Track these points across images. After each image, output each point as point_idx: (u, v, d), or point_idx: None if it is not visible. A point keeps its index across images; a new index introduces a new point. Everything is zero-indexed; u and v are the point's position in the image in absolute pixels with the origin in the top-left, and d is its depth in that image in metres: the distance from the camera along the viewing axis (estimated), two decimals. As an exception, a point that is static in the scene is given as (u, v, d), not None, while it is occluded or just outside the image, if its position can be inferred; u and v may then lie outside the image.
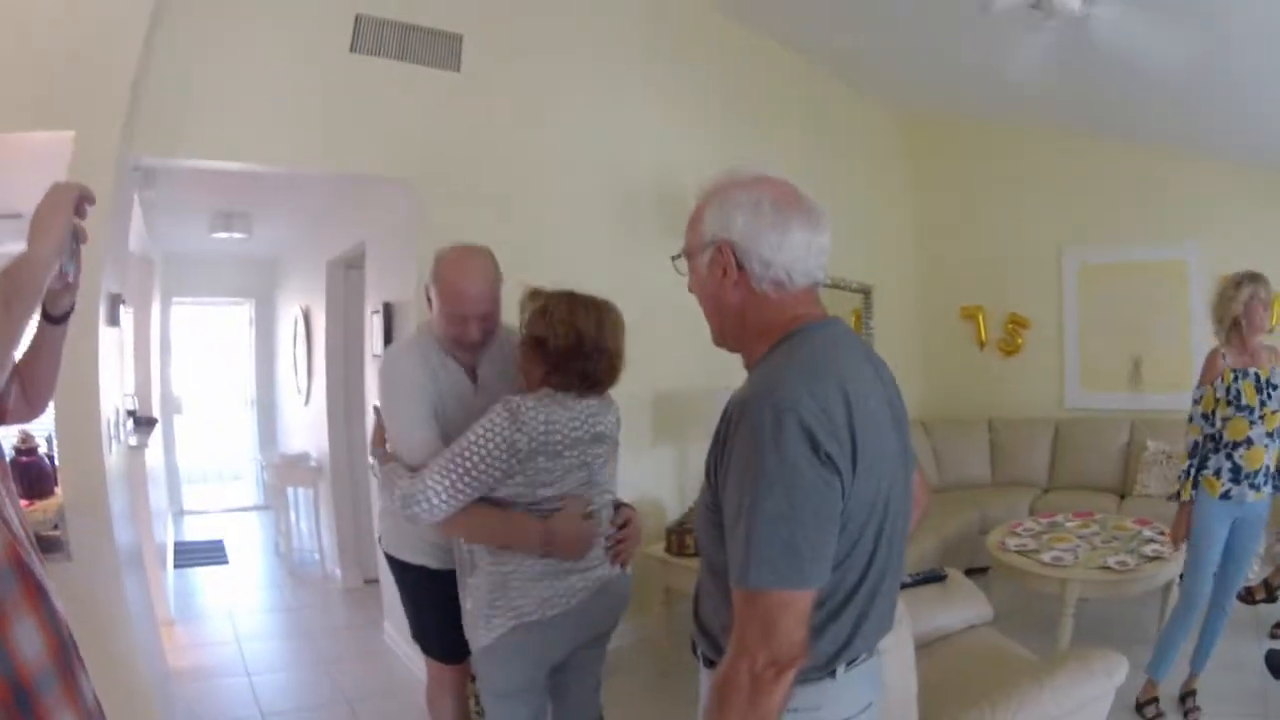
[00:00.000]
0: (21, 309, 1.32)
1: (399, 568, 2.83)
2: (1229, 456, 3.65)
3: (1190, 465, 3.74)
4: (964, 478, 6.94)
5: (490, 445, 2.19)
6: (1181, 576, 4.33)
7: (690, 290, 1.62)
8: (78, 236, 1.49)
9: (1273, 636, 4.62)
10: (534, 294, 2.38)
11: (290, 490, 6.91)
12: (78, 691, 1.49)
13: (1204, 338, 6.31)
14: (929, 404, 7.65)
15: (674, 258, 1.64)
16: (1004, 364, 7.51)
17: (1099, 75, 5.30)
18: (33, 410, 1.69)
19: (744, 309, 1.52)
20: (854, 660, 1.49)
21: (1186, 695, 3.82)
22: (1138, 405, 6.87)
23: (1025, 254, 7.39)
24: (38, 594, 1.40)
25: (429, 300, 2.53)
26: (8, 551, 1.37)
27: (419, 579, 2.78)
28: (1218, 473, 3.67)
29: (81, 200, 1.47)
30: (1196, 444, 3.73)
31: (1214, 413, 3.73)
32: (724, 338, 1.60)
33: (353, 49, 3.93)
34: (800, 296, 1.52)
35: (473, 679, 2.84)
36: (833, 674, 1.45)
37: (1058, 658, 2.97)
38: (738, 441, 1.35)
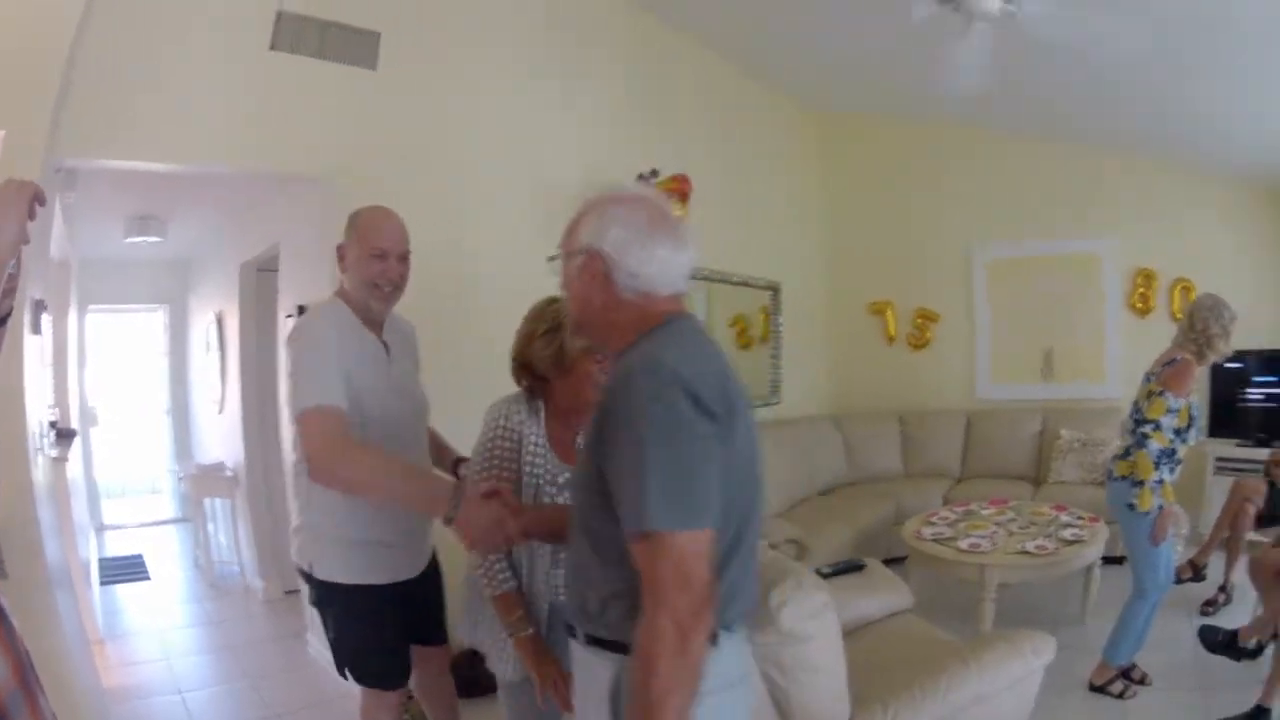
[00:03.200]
0: None
1: (323, 589, 2.61)
2: (1172, 468, 3.83)
3: (1160, 473, 3.81)
4: (877, 470, 7.05)
5: None
6: (1108, 559, 4.64)
7: (561, 289, 1.73)
8: (24, 236, 1.45)
9: (1203, 614, 4.80)
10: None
11: (208, 501, 6.77)
12: (40, 711, 1.46)
13: (1117, 330, 6.54)
14: (839, 398, 7.78)
15: (550, 259, 1.75)
16: (914, 357, 7.65)
17: (1013, 74, 5.37)
18: None
19: (609, 311, 1.64)
20: (729, 627, 1.57)
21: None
22: (1050, 395, 7.03)
23: (935, 249, 7.53)
24: None
25: (341, 260, 2.60)
26: None
27: (351, 599, 2.59)
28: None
29: (34, 200, 1.44)
30: (1162, 452, 3.79)
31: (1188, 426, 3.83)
32: (584, 330, 1.75)
33: (273, 46, 3.84)
34: (664, 301, 1.64)
35: (410, 698, 2.88)
36: (714, 640, 1.50)
37: (985, 639, 3.08)
38: (623, 406, 1.47)
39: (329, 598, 2.61)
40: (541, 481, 2.26)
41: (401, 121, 4.31)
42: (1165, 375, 3.85)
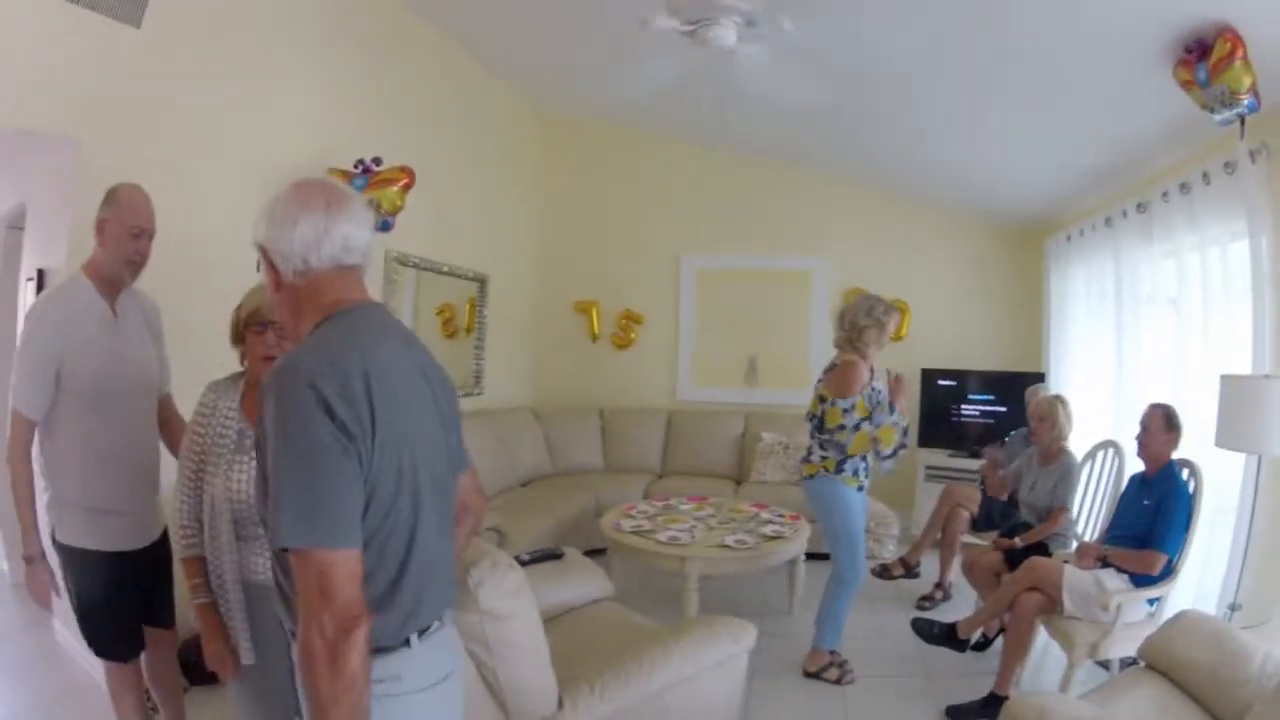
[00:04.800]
0: None
1: (63, 553, 2.76)
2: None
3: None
4: (577, 464, 7.25)
5: None
6: (815, 555, 4.89)
7: None
8: None
9: (920, 609, 5.17)
10: None
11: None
12: None
13: (822, 342, 6.99)
14: (541, 392, 7.96)
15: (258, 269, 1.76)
16: (616, 357, 7.89)
17: (731, 99, 5.58)
18: None
19: (288, 299, 1.65)
20: (425, 629, 1.62)
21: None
22: (752, 400, 7.43)
23: (645, 255, 7.83)
24: None
25: (100, 233, 2.79)
26: None
27: (84, 564, 2.74)
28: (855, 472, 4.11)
29: None
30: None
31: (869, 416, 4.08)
32: (282, 326, 1.80)
33: None
34: (333, 281, 1.63)
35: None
36: (407, 643, 1.57)
37: (684, 625, 3.24)
38: (268, 412, 1.44)
39: (68, 561, 2.75)
40: (230, 449, 2.29)
41: (157, 87, 4.09)
42: (829, 380, 4.12)
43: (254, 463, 2.15)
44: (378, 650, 1.51)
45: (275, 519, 1.39)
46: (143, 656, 2.93)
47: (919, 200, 7.28)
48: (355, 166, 4.89)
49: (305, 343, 1.56)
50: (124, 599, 2.80)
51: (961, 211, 7.25)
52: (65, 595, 2.81)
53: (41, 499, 2.77)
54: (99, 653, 2.83)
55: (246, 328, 2.37)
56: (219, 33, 4.39)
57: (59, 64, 3.68)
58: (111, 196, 2.81)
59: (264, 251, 1.65)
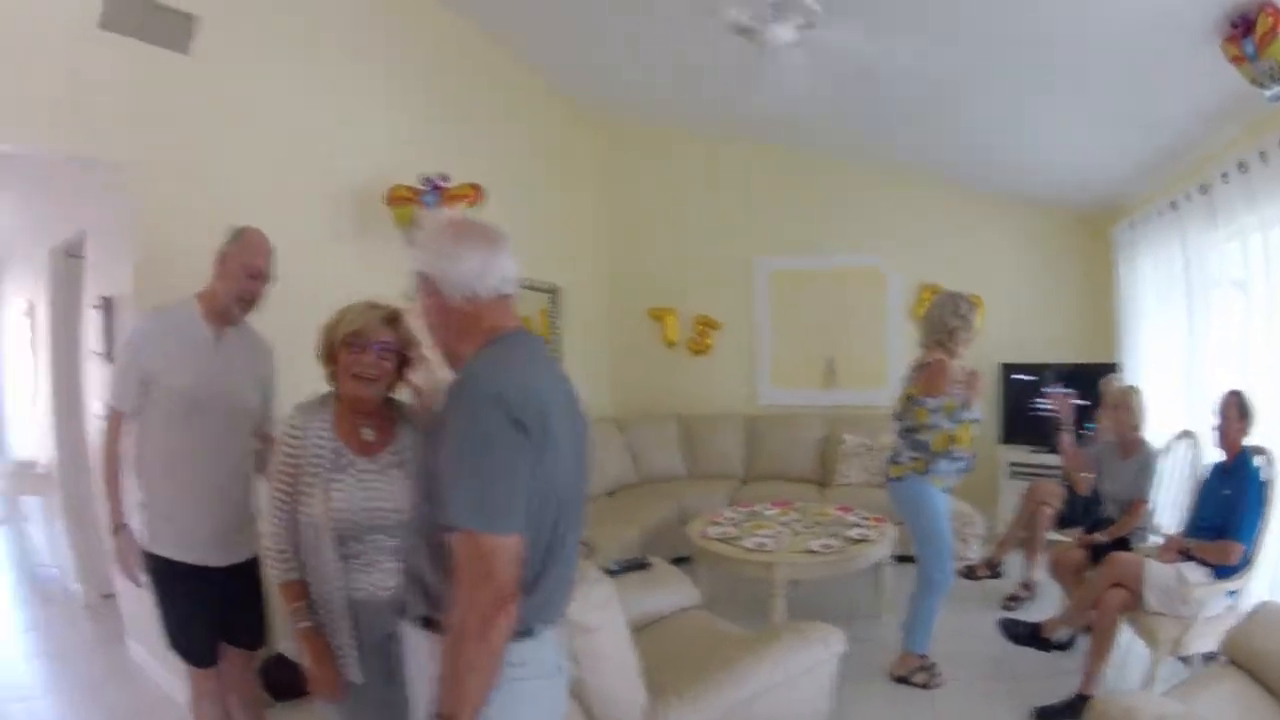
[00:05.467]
0: None
1: (151, 562, 2.91)
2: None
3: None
4: (660, 471, 7.25)
5: None
6: (902, 558, 4.85)
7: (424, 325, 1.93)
8: None
9: (1006, 609, 5.08)
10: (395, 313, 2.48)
11: (24, 500, 6.52)
12: None
13: (899, 340, 6.91)
14: (619, 401, 7.95)
15: (407, 298, 2.01)
16: (694, 363, 7.87)
17: (797, 96, 5.51)
18: None
19: (449, 323, 1.85)
20: (550, 622, 1.80)
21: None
22: (832, 401, 7.37)
23: (717, 258, 7.79)
24: None
25: (219, 266, 2.98)
26: None
27: (164, 571, 2.89)
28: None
29: None
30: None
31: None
32: (444, 353, 1.91)
33: (103, 25, 3.67)
34: (493, 308, 1.84)
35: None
36: (532, 633, 1.73)
37: (773, 631, 3.27)
38: (451, 414, 1.65)
39: (149, 565, 2.93)
40: (327, 469, 2.30)
41: (211, 112, 4.14)
42: (919, 380, 4.12)
43: (354, 481, 2.29)
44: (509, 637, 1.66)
45: (452, 503, 1.60)
46: (223, 669, 3.03)
47: (984, 192, 7.18)
48: (423, 183, 4.92)
49: (481, 358, 1.75)
50: (198, 613, 2.91)
51: (1026, 201, 7.14)
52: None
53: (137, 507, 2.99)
54: (175, 650, 2.96)
55: (344, 346, 2.36)
56: (270, 56, 4.48)
57: (112, 94, 3.77)
58: (237, 235, 3.02)
59: (427, 279, 1.83)
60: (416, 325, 2.10)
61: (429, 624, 1.76)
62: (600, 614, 2.48)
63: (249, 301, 3.01)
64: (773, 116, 6.44)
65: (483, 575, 1.57)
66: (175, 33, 3.96)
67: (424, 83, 5.54)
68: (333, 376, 2.42)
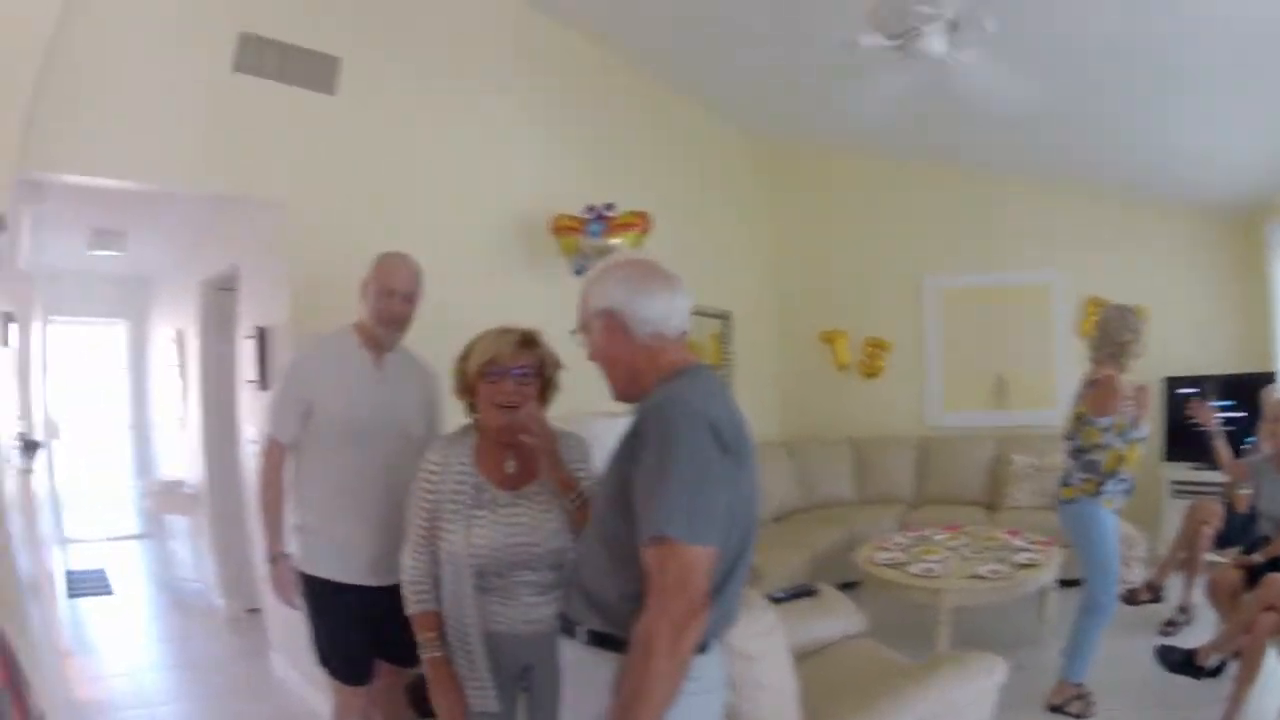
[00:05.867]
0: None
1: (308, 583, 2.96)
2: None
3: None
4: (829, 496, 7.05)
5: None
6: (1067, 583, 4.67)
7: (591, 359, 1.94)
8: None
9: (1163, 634, 4.84)
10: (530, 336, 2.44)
11: (169, 518, 6.75)
12: (26, 710, 1.49)
13: (1067, 357, 6.63)
14: (790, 425, 7.80)
15: (572, 333, 1.97)
16: (865, 385, 7.67)
17: (956, 111, 5.46)
18: None
19: (634, 360, 1.87)
20: (718, 638, 1.83)
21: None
22: (1002, 422, 7.10)
23: (885, 279, 7.59)
24: None
25: (362, 294, 3.03)
26: None
27: (321, 592, 2.93)
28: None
29: None
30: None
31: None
32: (621, 386, 1.91)
33: (236, 68, 3.88)
34: (674, 345, 1.88)
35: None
36: (706, 647, 1.74)
37: (937, 660, 3.16)
38: (653, 434, 1.67)
39: (305, 586, 2.98)
40: (468, 505, 2.29)
41: (360, 147, 4.31)
42: (1089, 397, 3.95)
43: (496, 517, 2.27)
44: None
45: (657, 514, 1.60)
46: (370, 687, 3.06)
47: (1135, 198, 6.86)
48: (588, 212, 4.94)
49: (678, 386, 1.78)
50: (354, 631, 2.93)
51: (1184, 205, 6.78)
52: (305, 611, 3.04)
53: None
54: (325, 668, 3.00)
55: (480, 377, 2.34)
56: (417, 90, 4.61)
57: (262, 134, 3.98)
58: (376, 259, 3.08)
59: (613, 316, 1.86)
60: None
61: (603, 640, 1.77)
62: (762, 642, 2.42)
63: (393, 323, 3.03)
64: (934, 132, 6.39)
65: (680, 585, 1.59)
66: (318, 74, 4.17)
67: (582, 114, 5.64)
68: (472, 409, 2.41)
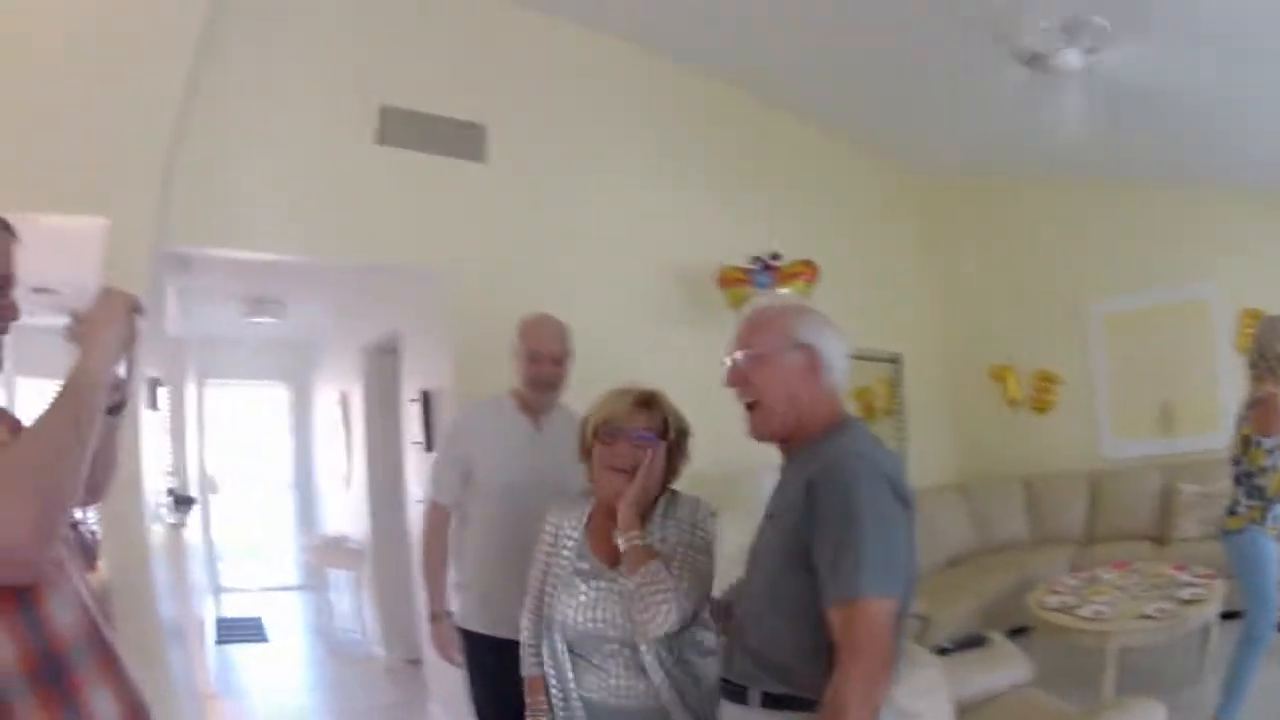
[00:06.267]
0: (89, 429, 1.33)
1: (467, 639, 3.04)
2: None
3: None
4: (1002, 538, 6.84)
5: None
6: (1228, 615, 4.46)
7: (733, 384, 1.92)
8: (130, 342, 1.51)
9: None
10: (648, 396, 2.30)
11: (331, 571, 6.99)
12: None
13: (1230, 376, 6.32)
14: (963, 467, 7.57)
15: (733, 356, 1.92)
16: (1036, 421, 7.42)
17: (1103, 120, 5.30)
18: (93, 498, 1.74)
19: (812, 402, 1.86)
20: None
21: None
22: (1169, 450, 6.80)
23: (1047, 307, 7.36)
24: (111, 664, 1.41)
25: (513, 359, 3.10)
26: (83, 625, 1.38)
27: (479, 648, 2.99)
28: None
29: (133, 311, 1.49)
30: None
31: None
32: (778, 425, 1.88)
33: (379, 141, 4.03)
34: (840, 393, 1.91)
35: None
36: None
37: (1097, 711, 3.11)
38: (835, 492, 1.67)
39: (463, 643, 3.06)
40: (568, 573, 2.24)
41: (515, 211, 4.42)
42: (1253, 418, 3.83)
43: (592, 595, 2.19)
44: None
45: (853, 573, 1.60)
46: None
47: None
48: (753, 263, 4.96)
49: (851, 440, 1.80)
50: (509, 686, 2.83)
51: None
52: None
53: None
54: None
55: (596, 438, 2.24)
56: (565, 154, 4.72)
57: (413, 203, 4.11)
58: (518, 326, 3.13)
59: (812, 352, 1.86)
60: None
61: (779, 702, 1.74)
62: (925, 700, 2.39)
63: (543, 385, 3.08)
64: (1076, 149, 6.09)
65: (870, 640, 1.58)
66: (466, 143, 4.32)
67: (737, 164, 5.67)
68: (592, 473, 2.30)
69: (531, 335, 3.09)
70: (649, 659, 2.10)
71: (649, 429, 2.22)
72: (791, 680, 1.72)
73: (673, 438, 2.26)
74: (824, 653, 1.63)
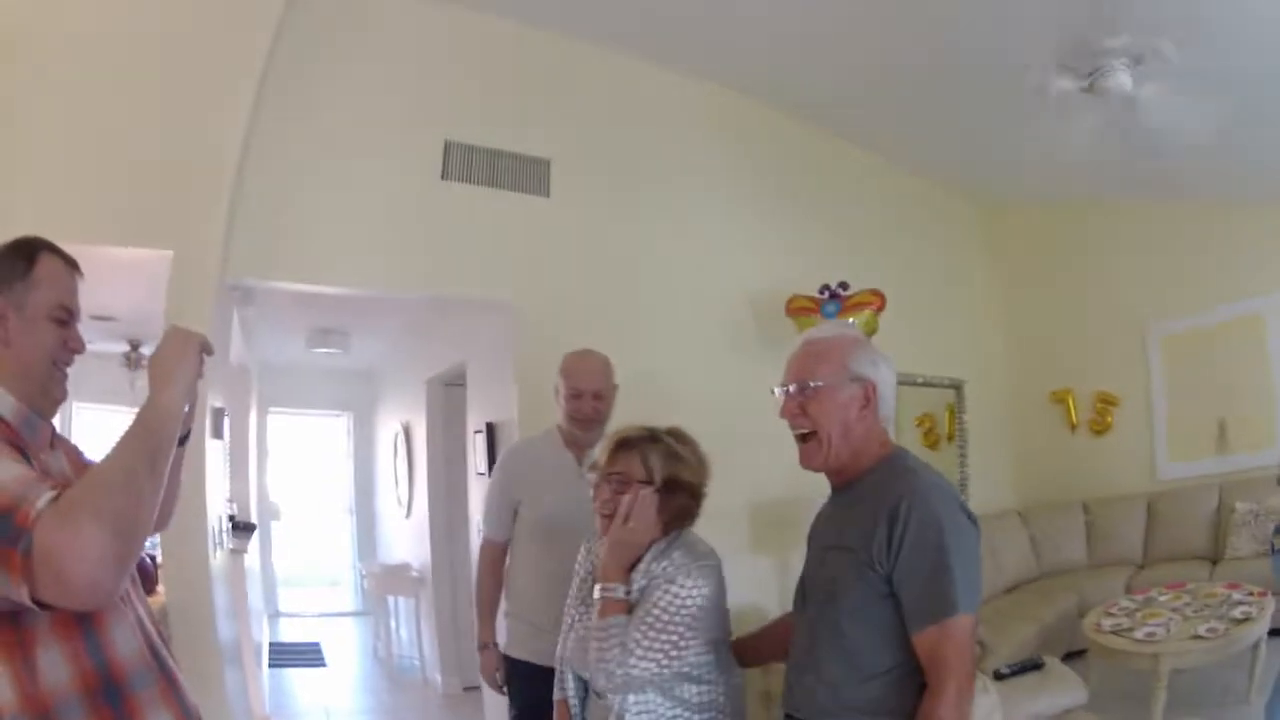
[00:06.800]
0: (164, 463, 1.36)
1: (509, 666, 3.11)
2: None
3: None
4: (1061, 562, 6.80)
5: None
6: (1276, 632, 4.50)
7: (789, 415, 1.94)
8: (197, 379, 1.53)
9: None
10: (650, 435, 2.16)
11: (390, 598, 7.08)
12: None
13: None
14: (1024, 492, 7.53)
15: (787, 388, 1.95)
16: (1095, 443, 7.37)
17: (1148, 143, 5.34)
18: (160, 527, 1.76)
19: (866, 435, 1.90)
20: None
21: None
22: (1225, 468, 6.71)
23: (1107, 330, 7.32)
24: (171, 688, 1.45)
25: (556, 396, 3.12)
26: (144, 650, 1.41)
27: (520, 673, 3.04)
28: None
29: (202, 351, 1.52)
30: None
31: None
32: (834, 458, 1.91)
33: (443, 176, 4.11)
34: (889, 426, 1.95)
35: None
36: None
37: None
38: (924, 521, 1.71)
39: (508, 670, 3.11)
40: (578, 602, 2.24)
41: (580, 244, 4.48)
42: None
43: (588, 620, 2.12)
44: None
45: (946, 595, 1.67)
46: None
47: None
48: (821, 292, 5.00)
49: (904, 472, 1.85)
50: (547, 714, 2.92)
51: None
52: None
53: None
54: None
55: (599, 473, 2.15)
56: (630, 186, 4.76)
57: (478, 237, 4.16)
58: (561, 365, 3.16)
59: (867, 385, 1.90)
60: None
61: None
62: None
63: (585, 421, 3.09)
64: (1140, 170, 6.22)
65: (960, 656, 1.66)
66: (530, 177, 4.38)
67: (803, 195, 5.71)
68: None
69: (572, 372, 3.11)
70: (617, 705, 1.98)
71: (619, 473, 2.09)
72: (872, 708, 1.75)
73: (658, 483, 2.06)
74: (907, 678, 1.72)
